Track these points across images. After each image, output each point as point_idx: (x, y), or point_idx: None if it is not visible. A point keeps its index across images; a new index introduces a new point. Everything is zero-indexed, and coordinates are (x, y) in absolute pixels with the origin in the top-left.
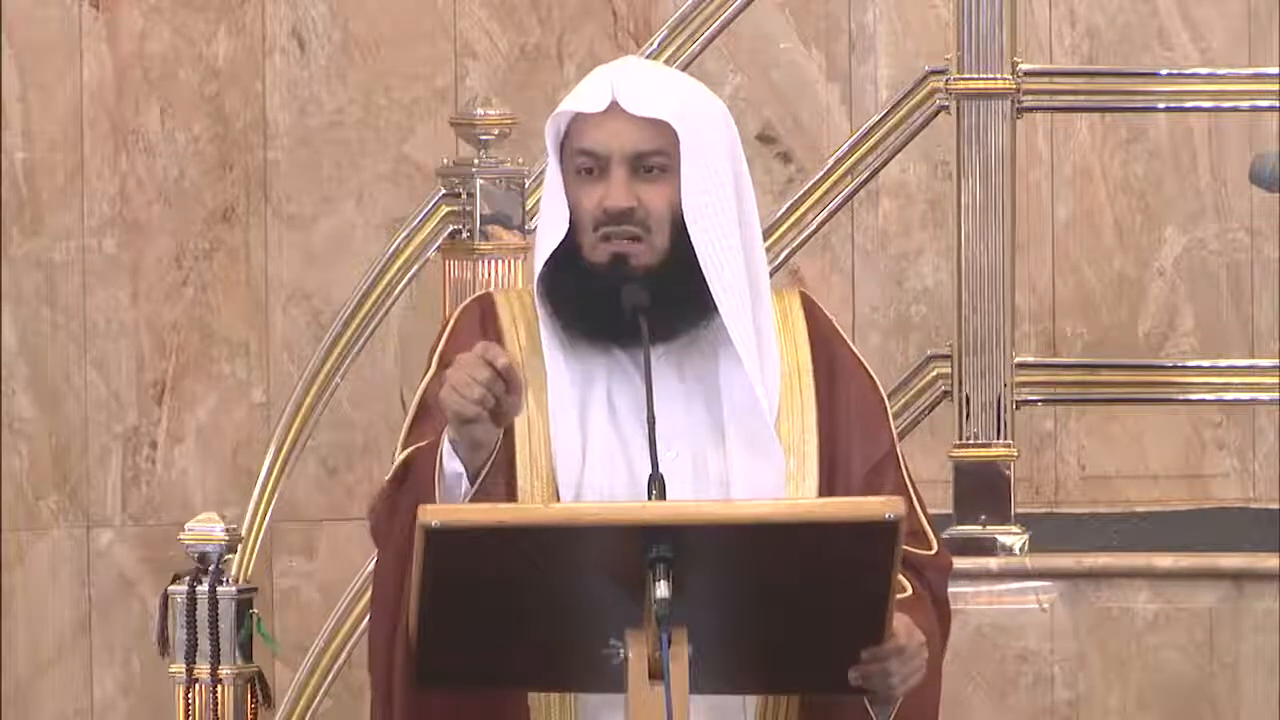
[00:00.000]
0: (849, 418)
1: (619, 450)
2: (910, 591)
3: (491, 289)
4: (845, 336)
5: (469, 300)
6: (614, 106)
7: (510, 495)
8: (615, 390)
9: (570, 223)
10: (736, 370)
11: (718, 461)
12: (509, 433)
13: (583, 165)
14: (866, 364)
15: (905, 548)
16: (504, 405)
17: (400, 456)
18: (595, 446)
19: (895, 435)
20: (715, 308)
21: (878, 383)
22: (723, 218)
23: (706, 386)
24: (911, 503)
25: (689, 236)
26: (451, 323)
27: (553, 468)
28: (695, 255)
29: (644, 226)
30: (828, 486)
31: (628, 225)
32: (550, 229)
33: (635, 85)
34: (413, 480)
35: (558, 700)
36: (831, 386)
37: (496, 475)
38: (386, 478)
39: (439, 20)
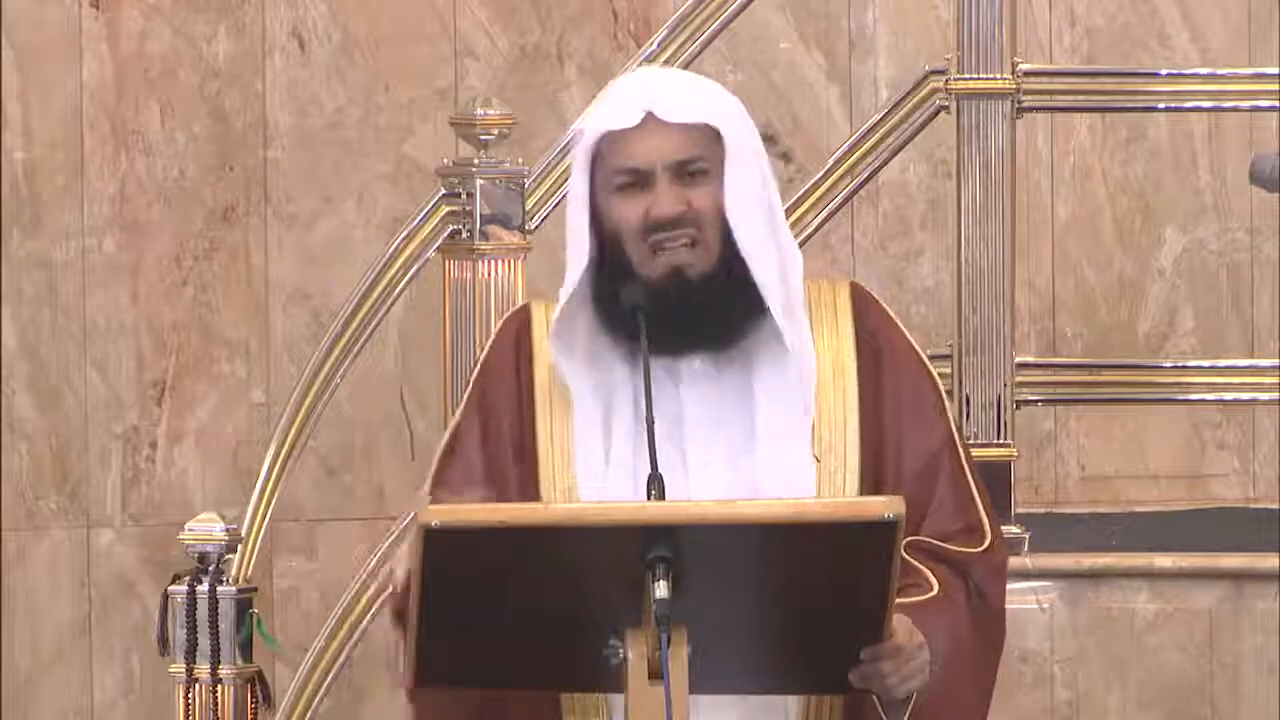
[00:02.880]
0: (898, 410)
1: (645, 466)
2: (936, 591)
3: (531, 300)
4: (899, 325)
5: (506, 318)
6: (649, 118)
7: None
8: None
9: (616, 237)
10: (771, 375)
11: (749, 468)
12: (532, 456)
13: (623, 182)
14: (921, 352)
15: (951, 545)
16: None
17: (400, 572)
18: (618, 462)
19: (953, 424)
20: (756, 311)
21: (932, 371)
22: (761, 215)
23: (741, 392)
24: (970, 495)
25: (732, 237)
26: (486, 351)
27: (576, 480)
28: (739, 256)
29: (698, 227)
30: (873, 482)
31: (682, 229)
32: (574, 258)
33: (668, 94)
34: None
35: (587, 701)
36: (877, 380)
37: None
38: (396, 587)
39: (439, 20)
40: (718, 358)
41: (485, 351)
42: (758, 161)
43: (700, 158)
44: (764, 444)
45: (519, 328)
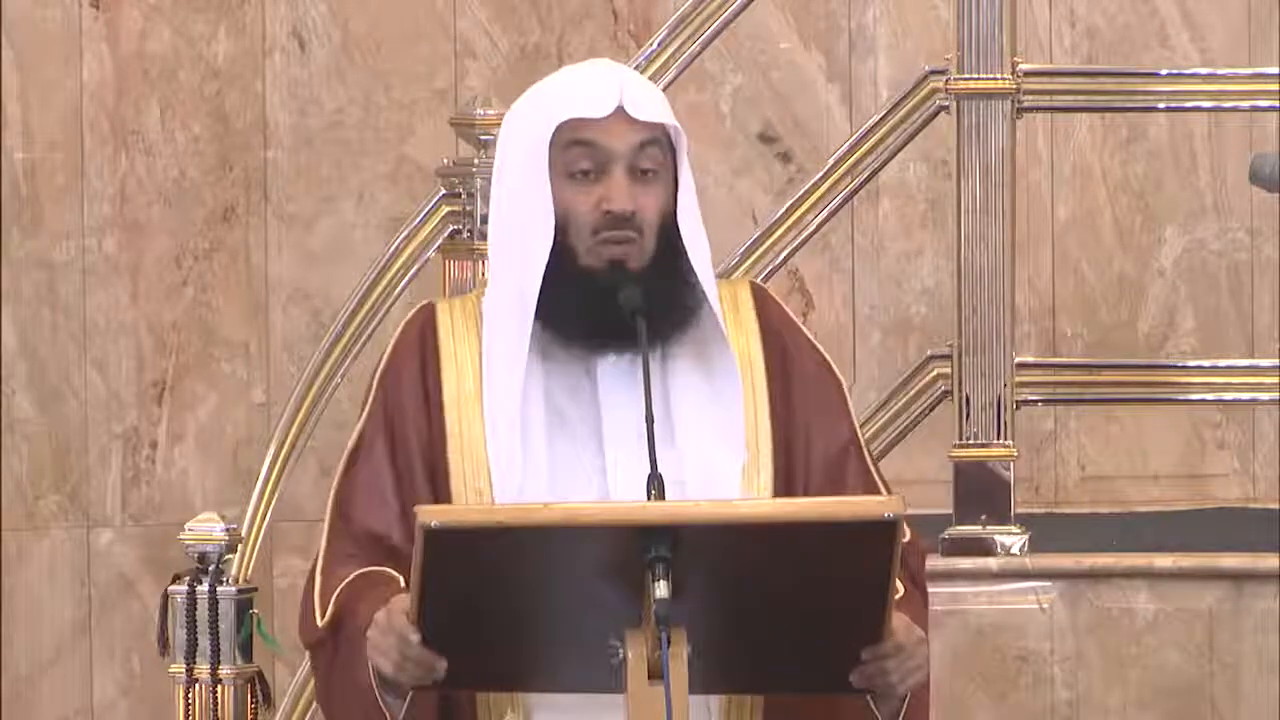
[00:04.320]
0: (806, 405)
1: (571, 460)
2: (903, 590)
3: (436, 299)
4: (800, 325)
5: (409, 317)
6: (619, 111)
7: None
8: (563, 397)
9: (561, 224)
10: (691, 375)
11: (673, 469)
12: (443, 461)
13: (580, 167)
14: (824, 351)
15: None
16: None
17: (331, 607)
18: (534, 464)
19: (856, 423)
20: (684, 312)
21: (835, 370)
22: (699, 221)
23: (660, 391)
24: (878, 487)
25: (669, 241)
26: (388, 353)
27: (490, 483)
28: (672, 260)
29: (639, 230)
30: (785, 478)
31: (629, 229)
32: (537, 236)
33: (637, 91)
34: (345, 649)
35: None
36: (786, 378)
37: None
38: (319, 620)
39: (439, 20)
40: (634, 357)
41: (387, 353)
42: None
43: (657, 152)
44: (687, 444)
45: (423, 327)
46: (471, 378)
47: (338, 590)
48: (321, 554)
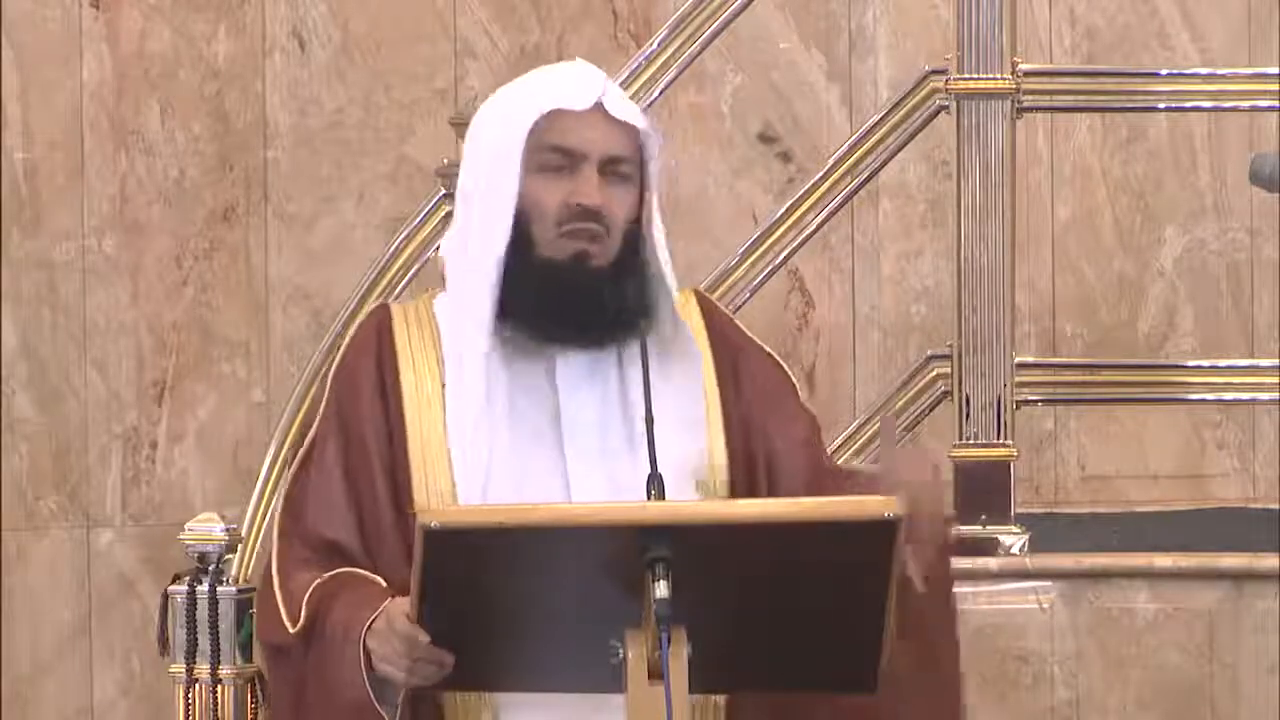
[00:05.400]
0: (763, 401)
1: (531, 460)
2: (847, 467)
3: (390, 301)
4: (747, 331)
5: (363, 319)
6: (598, 106)
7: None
8: (523, 396)
9: (523, 216)
10: (654, 372)
11: (629, 465)
12: (404, 461)
13: (552, 161)
14: (775, 355)
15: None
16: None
17: (305, 610)
18: (501, 463)
19: (814, 420)
20: (642, 315)
21: (788, 371)
22: (663, 229)
23: (619, 392)
24: (844, 489)
25: (633, 246)
26: (344, 349)
27: (453, 483)
28: (634, 264)
29: (606, 227)
30: (746, 474)
31: (594, 223)
32: (497, 226)
33: (615, 92)
34: (318, 653)
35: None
36: (736, 376)
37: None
38: (289, 625)
39: (439, 20)
40: (593, 356)
41: (340, 354)
42: None
43: (629, 160)
44: (644, 442)
45: (379, 328)
46: (430, 379)
47: (309, 593)
48: (275, 556)
